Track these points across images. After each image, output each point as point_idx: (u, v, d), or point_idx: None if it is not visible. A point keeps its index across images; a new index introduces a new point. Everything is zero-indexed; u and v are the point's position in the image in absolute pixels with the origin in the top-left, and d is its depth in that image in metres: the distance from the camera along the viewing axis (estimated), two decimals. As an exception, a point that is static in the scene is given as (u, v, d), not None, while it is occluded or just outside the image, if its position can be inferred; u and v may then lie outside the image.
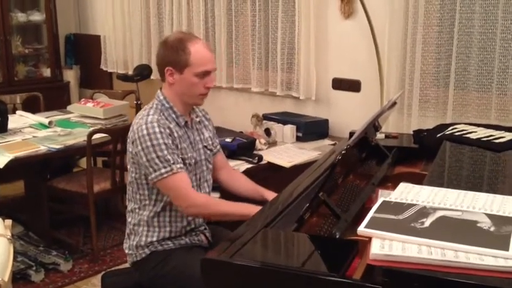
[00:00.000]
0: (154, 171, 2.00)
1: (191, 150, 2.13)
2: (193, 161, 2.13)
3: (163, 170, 1.99)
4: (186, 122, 2.14)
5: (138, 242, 2.11)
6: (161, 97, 2.12)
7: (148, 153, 1.99)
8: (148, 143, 1.99)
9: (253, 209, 1.94)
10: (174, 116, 2.10)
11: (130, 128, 2.09)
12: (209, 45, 2.15)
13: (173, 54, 2.05)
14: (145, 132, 2.00)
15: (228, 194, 2.35)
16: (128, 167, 2.13)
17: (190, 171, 2.12)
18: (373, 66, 3.18)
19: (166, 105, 2.10)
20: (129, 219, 2.17)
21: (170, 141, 2.03)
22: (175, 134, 2.07)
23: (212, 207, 2.07)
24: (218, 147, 2.33)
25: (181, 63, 2.04)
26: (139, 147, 2.01)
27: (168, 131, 2.04)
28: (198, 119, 2.23)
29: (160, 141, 2.00)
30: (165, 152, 2.00)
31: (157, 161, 1.99)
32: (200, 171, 2.18)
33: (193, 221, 2.15)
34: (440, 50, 2.92)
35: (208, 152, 2.23)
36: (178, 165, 2.02)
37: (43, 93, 4.37)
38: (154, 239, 2.10)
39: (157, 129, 2.01)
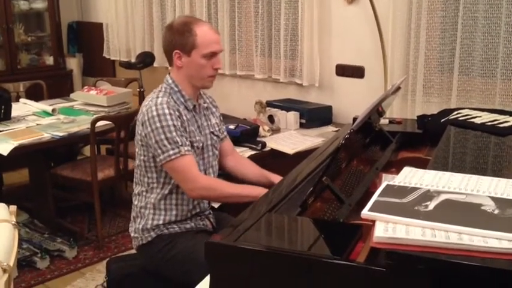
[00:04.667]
0: (163, 152, 2.01)
1: (199, 134, 2.14)
2: (201, 144, 2.14)
3: (171, 152, 2.00)
4: (194, 106, 2.15)
5: (144, 225, 2.12)
6: (170, 81, 2.13)
7: (158, 134, 2.00)
8: (158, 124, 2.00)
9: (259, 191, 1.97)
10: (182, 99, 2.11)
11: (140, 110, 2.10)
12: (214, 27, 2.16)
13: (180, 37, 2.06)
14: (155, 113, 2.01)
15: (234, 181, 2.35)
16: (136, 149, 2.14)
17: (198, 155, 2.14)
18: (376, 52, 3.17)
19: (175, 88, 2.11)
20: (135, 202, 2.18)
21: (179, 124, 2.04)
22: (184, 117, 2.08)
23: (219, 190, 2.08)
24: (225, 133, 2.35)
25: (188, 45, 2.05)
26: (149, 129, 2.02)
27: (177, 113, 2.05)
28: (205, 105, 2.24)
29: (170, 122, 2.01)
30: (174, 133, 2.01)
31: (165, 142, 2.00)
32: (207, 156, 2.19)
33: (198, 205, 2.17)
34: (444, 35, 2.90)
35: (215, 137, 2.24)
36: (186, 148, 2.03)
37: (46, 81, 4.39)
38: (161, 222, 2.11)
39: (166, 111, 2.02)
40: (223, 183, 2.15)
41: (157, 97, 2.07)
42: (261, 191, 1.95)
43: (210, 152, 2.21)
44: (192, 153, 2.06)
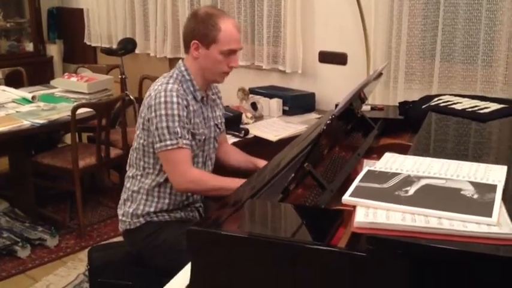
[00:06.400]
0: (160, 141, 1.99)
1: (203, 127, 2.12)
2: (203, 137, 2.12)
3: (168, 142, 1.98)
4: (202, 98, 2.12)
5: (135, 209, 2.11)
6: (182, 68, 2.09)
7: (160, 121, 1.97)
8: (163, 111, 1.97)
9: None
10: (192, 89, 2.08)
11: (147, 93, 2.06)
12: (238, 25, 2.11)
13: (202, 28, 2.02)
14: (162, 99, 1.98)
15: (221, 169, 2.34)
16: (137, 132, 2.10)
17: (198, 147, 2.11)
18: (359, 39, 3.17)
19: (187, 77, 2.08)
20: (127, 185, 2.16)
21: (185, 114, 2.00)
22: (191, 108, 2.05)
23: (205, 184, 2.06)
24: (223, 126, 2.32)
25: (208, 38, 2.01)
26: (153, 114, 1.99)
27: (185, 102, 2.02)
28: (213, 97, 2.22)
29: (175, 112, 1.97)
30: (176, 124, 1.98)
31: (165, 131, 1.97)
32: (207, 148, 2.17)
33: (192, 196, 2.15)
34: (426, 21, 2.91)
35: (218, 130, 2.22)
36: (184, 141, 2.00)
37: (26, 68, 4.33)
38: (152, 209, 2.10)
39: (175, 99, 1.98)
40: (210, 176, 2.13)
41: (168, 83, 2.03)
42: None
43: (211, 144, 2.18)
44: (189, 147, 2.03)
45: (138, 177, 2.12)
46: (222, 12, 2.13)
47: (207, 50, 2.03)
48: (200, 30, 2.02)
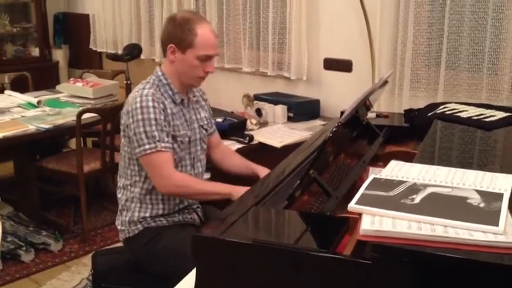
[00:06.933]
0: (139, 146, 1.99)
1: (185, 128, 2.12)
2: (186, 139, 2.12)
3: (147, 146, 1.99)
4: (182, 100, 2.13)
5: (131, 217, 2.11)
6: (159, 73, 2.11)
7: (137, 126, 1.99)
8: (139, 116, 1.98)
9: (231, 189, 1.97)
10: (170, 92, 2.09)
11: (126, 101, 2.08)
12: (214, 31, 2.13)
13: (179, 32, 2.03)
14: (138, 105, 1.99)
15: (219, 174, 2.35)
16: (122, 141, 2.12)
17: (184, 149, 2.12)
18: (364, 46, 3.17)
19: (164, 81, 2.09)
20: (119, 195, 2.16)
21: (162, 117, 2.01)
22: (169, 111, 2.05)
23: (190, 188, 2.06)
24: (214, 127, 2.33)
25: (185, 43, 2.02)
26: (131, 120, 2.00)
27: (162, 106, 2.02)
28: (195, 99, 2.22)
29: (152, 116, 1.98)
30: (154, 127, 1.98)
31: (143, 136, 1.98)
32: (194, 150, 2.17)
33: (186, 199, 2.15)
34: (431, 29, 2.91)
35: (204, 131, 2.22)
36: (163, 144, 2.00)
37: (32, 73, 4.35)
38: (147, 214, 2.10)
39: (150, 104, 1.99)
40: (195, 180, 2.13)
41: (144, 88, 2.05)
42: (231, 189, 1.97)
43: (198, 146, 2.19)
44: (170, 150, 2.03)
45: (128, 187, 2.12)
46: (200, 17, 2.14)
47: (183, 55, 2.04)
48: (177, 35, 2.03)
